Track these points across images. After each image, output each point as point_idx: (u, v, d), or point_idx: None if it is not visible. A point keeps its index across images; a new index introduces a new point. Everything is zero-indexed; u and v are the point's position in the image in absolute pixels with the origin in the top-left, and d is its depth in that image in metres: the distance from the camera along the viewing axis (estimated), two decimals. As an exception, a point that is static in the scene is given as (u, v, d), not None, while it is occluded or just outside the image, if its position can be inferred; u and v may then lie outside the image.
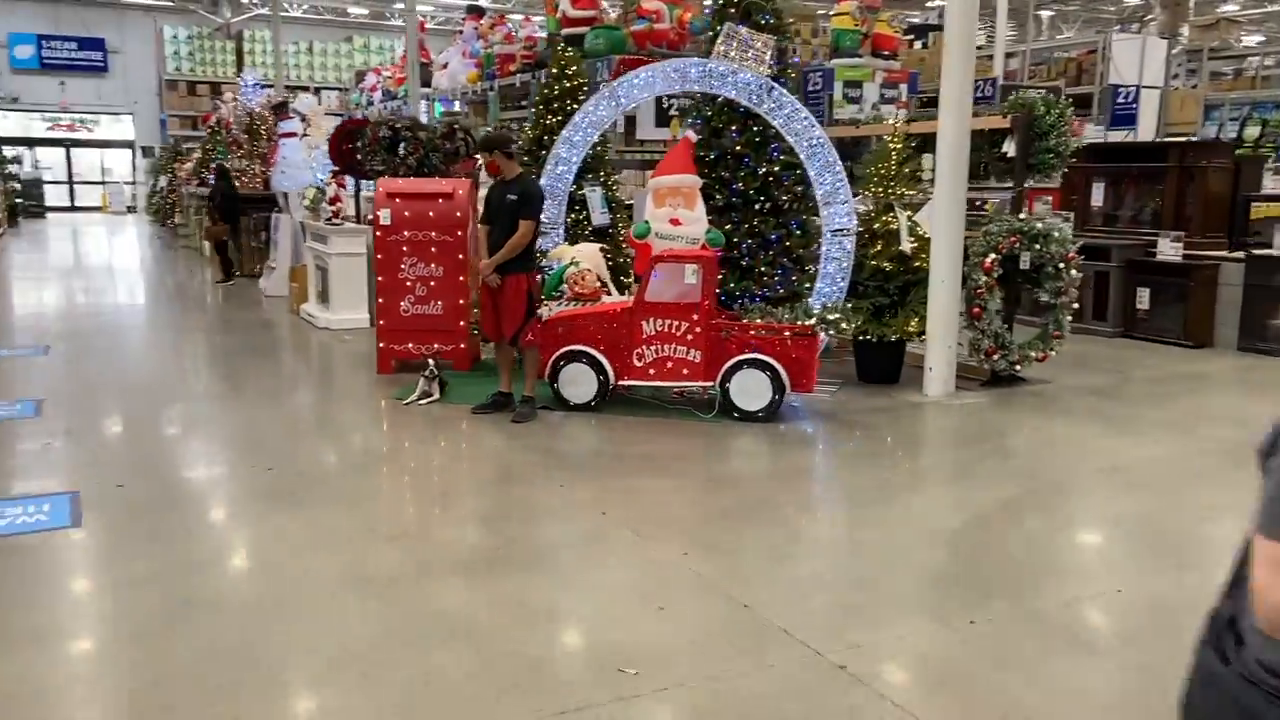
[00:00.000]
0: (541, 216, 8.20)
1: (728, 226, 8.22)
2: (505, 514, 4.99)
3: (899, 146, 7.82)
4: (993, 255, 7.52)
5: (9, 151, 32.42)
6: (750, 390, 6.72)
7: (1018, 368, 7.73)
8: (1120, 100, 15.30)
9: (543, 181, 8.37)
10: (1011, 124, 7.81)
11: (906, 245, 7.65)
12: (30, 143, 33.87)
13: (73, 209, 34.34)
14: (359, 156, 10.80)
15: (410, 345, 8.03)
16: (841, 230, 7.65)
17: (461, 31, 17.67)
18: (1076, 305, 7.84)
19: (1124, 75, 16.25)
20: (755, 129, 8.00)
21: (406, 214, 7.98)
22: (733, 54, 7.74)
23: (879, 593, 4.04)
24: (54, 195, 34.10)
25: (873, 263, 7.77)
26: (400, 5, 35.30)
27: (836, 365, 8.36)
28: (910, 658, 3.49)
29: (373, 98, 21.14)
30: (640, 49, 12.19)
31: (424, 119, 17.48)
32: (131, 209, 34.09)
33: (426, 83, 17.72)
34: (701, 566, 4.23)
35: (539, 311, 7.15)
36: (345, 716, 3.09)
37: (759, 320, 7.00)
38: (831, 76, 11.91)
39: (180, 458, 5.99)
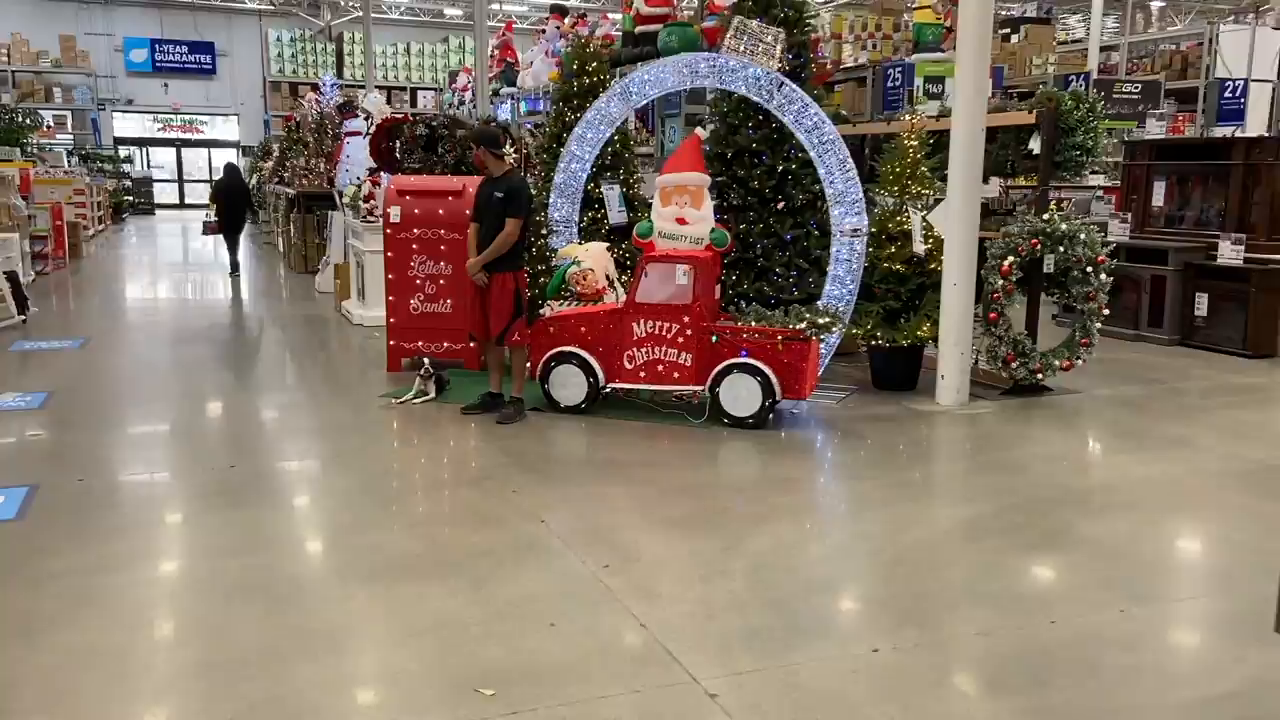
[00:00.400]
0: (557, 215, 8.22)
1: (743, 226, 8.00)
2: (441, 519, 4.92)
3: (916, 144, 7.45)
4: (1011, 258, 7.10)
5: (123, 151, 34.17)
6: (740, 396, 6.50)
7: (1040, 376, 7.28)
8: (1227, 95, 14.41)
9: (557, 179, 8.31)
10: (1036, 119, 7.36)
11: (920, 247, 7.29)
12: (143, 143, 35.49)
13: (181, 206, 35.84)
14: (397, 155, 10.92)
15: (420, 343, 8.04)
16: (853, 231, 7.34)
17: (544, 31, 17.75)
18: (1106, 311, 7.34)
19: (1232, 68, 15.28)
20: (773, 125, 7.76)
21: (416, 211, 7.99)
22: (743, 48, 7.50)
23: (791, 616, 3.80)
24: (165, 193, 35.70)
25: (885, 265, 7.44)
26: (495, 6, 35.86)
27: (855, 370, 8.05)
28: (788, 687, 3.26)
29: (464, 97, 21.52)
30: (712, 46, 11.97)
31: (506, 118, 17.66)
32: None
33: (512, 82, 17.92)
34: (615, 581, 4.06)
35: (541, 310, 7.08)
36: (183, 724, 3.05)
37: (754, 323, 6.76)
38: (911, 72, 11.52)
39: (151, 453, 6.10)
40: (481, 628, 3.68)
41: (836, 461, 6.06)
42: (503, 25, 22.70)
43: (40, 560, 4.21)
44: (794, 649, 3.55)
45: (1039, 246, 7.12)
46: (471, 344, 7.51)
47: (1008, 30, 16.28)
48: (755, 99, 7.55)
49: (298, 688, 3.23)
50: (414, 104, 34.24)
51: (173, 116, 35.81)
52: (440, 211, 7.99)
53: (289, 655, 3.43)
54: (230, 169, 15.76)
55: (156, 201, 34.52)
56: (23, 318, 10.11)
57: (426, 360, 7.26)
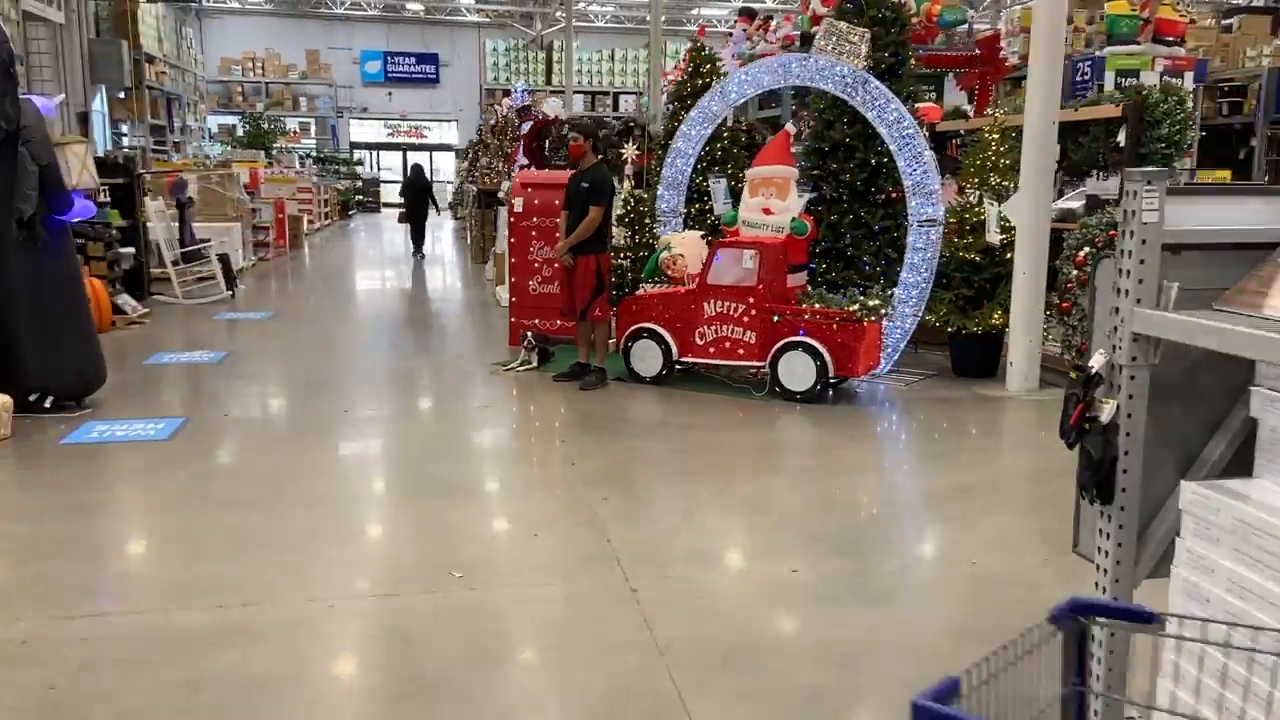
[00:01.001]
0: (664, 205, 8.95)
1: (834, 217, 8.44)
2: (491, 458, 5.77)
3: (997, 137, 7.65)
4: (1086, 249, 7.19)
5: (357, 154, 37.67)
6: (797, 372, 7.00)
7: (1114, 367, 7.31)
8: None
9: (664, 172, 9.04)
10: (1123, 113, 7.39)
11: (994, 237, 7.50)
12: (374, 147, 38.90)
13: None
14: (545, 153, 11.97)
15: (537, 320, 8.97)
16: (928, 221, 7.64)
17: (733, 33, 18.48)
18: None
19: None
20: (865, 121, 8.15)
21: (536, 202, 8.92)
22: (830, 48, 7.95)
23: (734, 543, 4.38)
24: (391, 193, 38.99)
25: (961, 254, 7.69)
26: (695, 11, 36.82)
27: (942, 357, 8.30)
28: (700, 593, 3.85)
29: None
30: None
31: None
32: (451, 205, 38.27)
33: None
34: (606, 509, 4.76)
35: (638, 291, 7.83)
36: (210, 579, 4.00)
37: (816, 305, 7.22)
38: (1101, 65, 11.51)
39: (289, 397, 7.30)
40: (477, 533, 4.48)
41: (867, 433, 6.47)
42: (698, 29, 23.50)
43: (169, 468, 5.37)
44: (723, 567, 4.13)
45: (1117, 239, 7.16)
46: (565, 320, 8.34)
47: (1230, 21, 15.44)
48: (841, 95, 7.98)
49: (318, 561, 4.13)
50: (615, 108, 35.70)
51: (400, 123, 39.05)
52: (556, 202, 8.84)
53: (322, 537, 4.35)
54: (415, 169, 17.51)
55: (383, 201, 37.70)
56: (230, 293, 11.86)
57: (530, 334, 8.17)
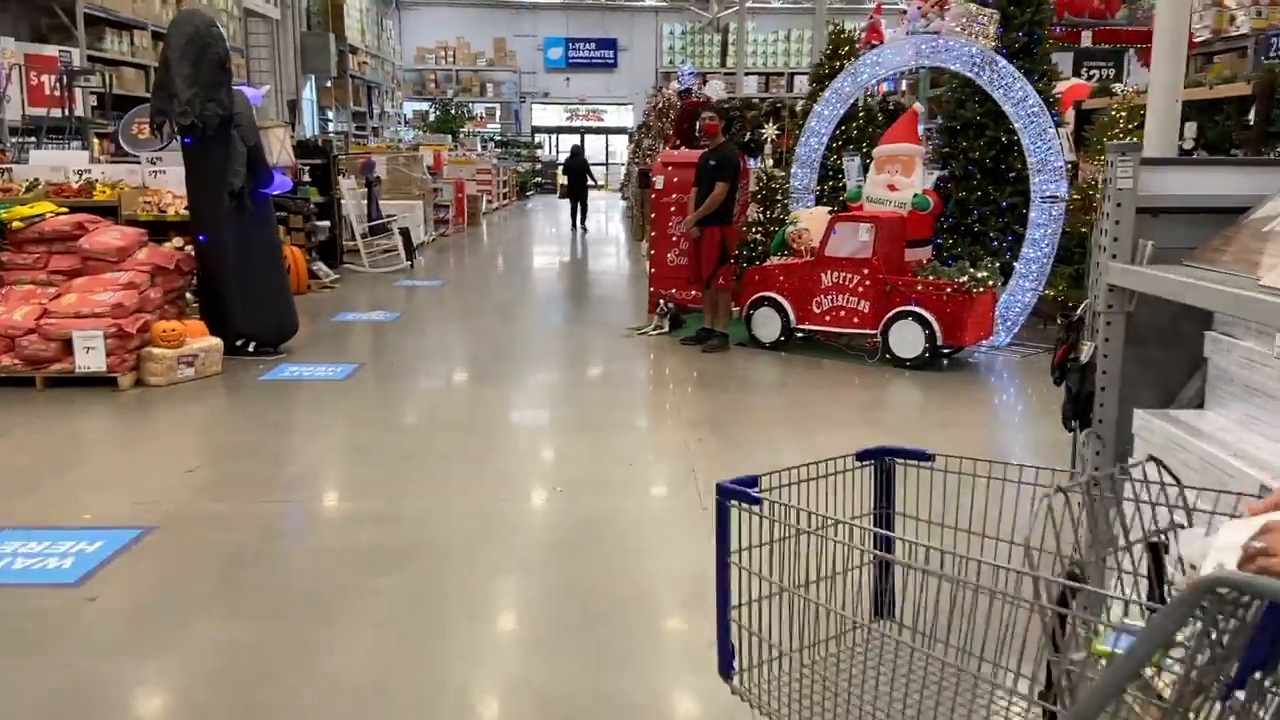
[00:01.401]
0: (797, 183, 9.44)
1: (962, 194, 8.74)
2: (606, 405, 6.52)
3: (1125, 115, 7.75)
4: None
5: (538, 138, 39.39)
6: (906, 339, 7.41)
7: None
8: None
9: (798, 151, 9.53)
10: (1253, 90, 7.36)
11: (1113, 212, 7.62)
12: (554, 131, 40.50)
13: (595, 187, 40.46)
14: (695, 134, 12.61)
15: (674, 290, 9.66)
16: (1051, 198, 7.84)
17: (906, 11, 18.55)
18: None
19: None
20: (995, 100, 8.40)
21: (675, 180, 9.58)
22: (960, 29, 8.23)
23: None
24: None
25: (1083, 230, 7.84)
26: (870, -11, 36.39)
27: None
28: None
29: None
30: (1059, 19, 12.41)
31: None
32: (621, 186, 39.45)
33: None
34: (699, 448, 5.41)
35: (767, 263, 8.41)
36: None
37: (930, 277, 7.59)
38: None
39: (444, 348, 8.30)
40: (583, 460, 5.24)
41: (967, 397, 6.81)
42: (875, 8, 23.49)
43: (341, 401, 6.40)
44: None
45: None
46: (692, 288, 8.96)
47: None
48: (967, 74, 8.26)
49: (450, 473, 4.98)
50: (790, 88, 35.82)
51: (579, 106, 40.51)
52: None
53: (450, 456, 5.21)
54: (574, 149, 18.58)
55: (560, 182, 39.26)
56: (410, 264, 13.14)
57: (662, 301, 8.88)
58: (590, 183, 19.92)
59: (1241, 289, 2.56)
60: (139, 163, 8.87)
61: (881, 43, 21.47)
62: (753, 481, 1.84)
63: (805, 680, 1.81)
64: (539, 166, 37.67)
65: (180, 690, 2.98)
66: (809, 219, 8.58)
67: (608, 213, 26.97)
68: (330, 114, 28.58)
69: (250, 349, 7.37)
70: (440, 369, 7.70)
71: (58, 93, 12.17)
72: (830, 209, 8.95)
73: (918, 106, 8.61)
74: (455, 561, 3.92)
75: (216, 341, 6.93)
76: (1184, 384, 3.28)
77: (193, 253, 7.34)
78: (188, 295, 7.51)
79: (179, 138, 7.03)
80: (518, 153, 36.66)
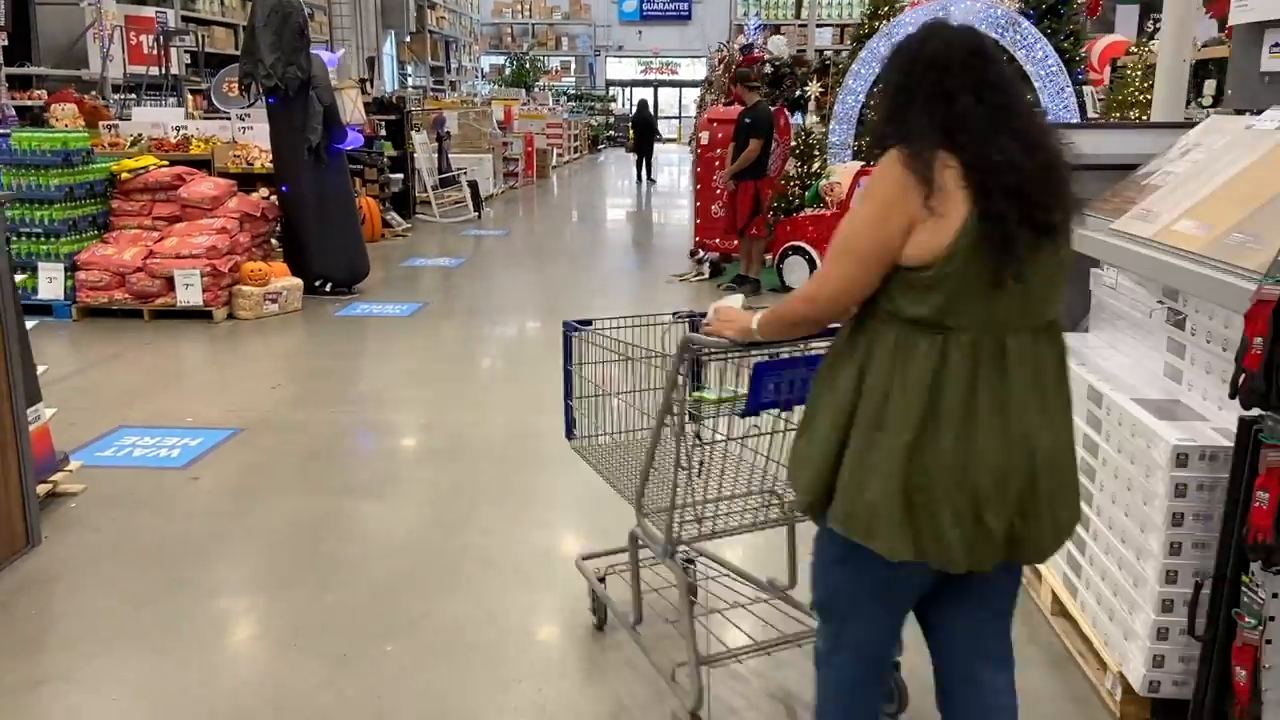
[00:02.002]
0: (834, 139, 9.94)
1: (989, 149, 9.16)
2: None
3: (1140, 73, 8.09)
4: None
5: (612, 91, 39.85)
6: (922, 286, 7.95)
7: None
8: None
9: (836, 108, 10.03)
10: (1266, 46, 7.63)
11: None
12: (627, 84, 40.89)
13: (661, 140, 40.86)
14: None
15: (717, 240, 10.29)
16: (1068, 153, 8.24)
17: None
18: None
19: None
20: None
21: (720, 135, 10.16)
22: (986, -8, 8.62)
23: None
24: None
25: (1099, 184, 8.24)
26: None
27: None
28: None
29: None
30: None
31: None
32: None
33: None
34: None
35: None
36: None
37: (950, 228, 8.08)
38: None
39: (502, 292, 9.08)
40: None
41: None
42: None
43: (405, 334, 7.24)
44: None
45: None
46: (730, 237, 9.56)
47: None
48: (993, 35, 8.65)
49: (489, 395, 5.78)
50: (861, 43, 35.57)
51: (653, 59, 40.79)
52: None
53: (494, 379, 6.00)
54: (641, 104, 19.12)
55: (630, 136, 39.72)
56: (477, 214, 13.97)
57: (702, 250, 9.53)
58: (658, 137, 20.52)
59: (1093, 232, 3.16)
60: (229, 119, 9.79)
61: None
62: (588, 322, 2.66)
63: (618, 452, 2.97)
64: (612, 120, 38.19)
65: (260, 544, 3.83)
66: (844, 173, 9.11)
67: (681, 165, 27.46)
68: (409, 69, 29.52)
69: (327, 289, 8.26)
70: (495, 308, 8.50)
71: (155, 52, 13.21)
72: (866, 163, 9.46)
73: (947, 65, 9.02)
74: (488, 460, 4.70)
75: (297, 281, 7.82)
76: (1084, 315, 3.88)
77: (277, 202, 8.22)
78: (273, 240, 8.41)
79: (264, 98, 7.88)
80: (591, 106, 37.17)
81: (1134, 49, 8.07)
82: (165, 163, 8.08)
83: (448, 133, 14.61)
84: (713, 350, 2.36)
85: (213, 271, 7.26)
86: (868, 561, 1.92)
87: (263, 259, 7.89)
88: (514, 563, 3.66)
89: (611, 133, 37.39)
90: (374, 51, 24.92)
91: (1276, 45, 3.38)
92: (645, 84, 40.70)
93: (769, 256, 9.01)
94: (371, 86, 17.29)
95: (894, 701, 2.69)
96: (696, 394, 2.53)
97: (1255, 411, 2.13)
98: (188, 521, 3.97)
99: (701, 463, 2.62)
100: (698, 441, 2.58)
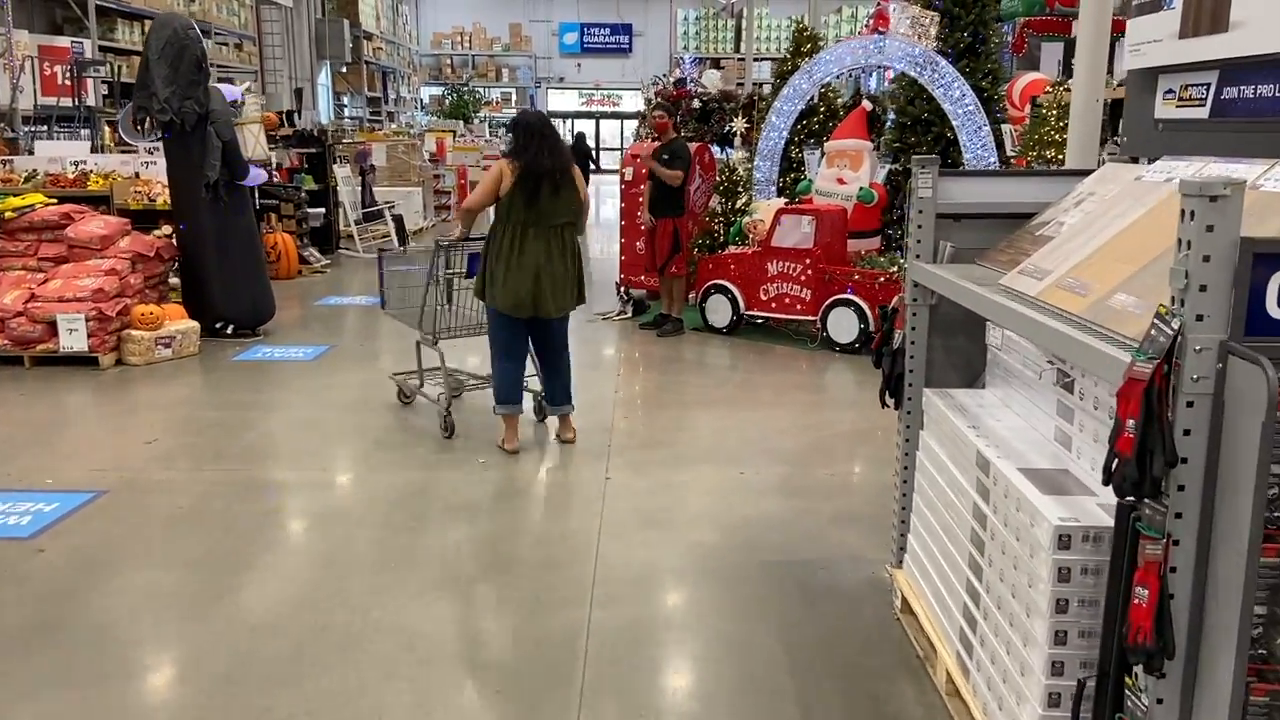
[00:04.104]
0: (759, 175, 9.82)
1: (911, 187, 9.10)
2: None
3: (1055, 112, 8.07)
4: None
5: (555, 123, 39.78)
6: (843, 325, 7.82)
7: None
8: None
9: (759, 144, 9.92)
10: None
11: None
12: (569, 116, 40.85)
13: (598, 171, 40.81)
14: (675, 124, 12.99)
15: (642, 277, 10.09)
16: (988, 191, 8.18)
17: None
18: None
19: None
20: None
21: (643, 171, 9.99)
22: (904, 30, 8.59)
23: (707, 452, 5.40)
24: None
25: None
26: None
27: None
28: (657, 482, 4.92)
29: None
30: (1050, 8, 12.70)
31: (870, 86, 19.09)
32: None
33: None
34: (623, 424, 5.87)
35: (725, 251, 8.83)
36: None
37: (871, 268, 7.98)
38: None
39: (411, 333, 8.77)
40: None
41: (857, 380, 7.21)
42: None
43: (304, 380, 6.90)
44: (688, 466, 5.17)
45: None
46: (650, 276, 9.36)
47: None
48: (911, 74, 8.62)
49: (380, 445, 5.47)
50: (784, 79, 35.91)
51: (594, 91, 40.85)
52: (662, 171, 9.92)
53: (391, 430, 5.70)
54: (578, 136, 18.97)
55: (574, 167, 39.59)
56: (403, 249, 13.63)
57: (623, 288, 9.32)
58: (593, 168, 20.43)
59: (980, 287, 2.98)
60: (136, 152, 9.40)
61: (888, 29, 21.85)
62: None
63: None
64: (553, 151, 38.05)
65: (92, 630, 3.48)
66: (767, 210, 8.99)
67: (611, 200, 27.35)
68: (345, 100, 29.13)
69: (228, 331, 7.89)
70: (409, 349, 8.17)
71: (69, 82, 12.75)
72: (789, 201, 9.35)
73: (866, 104, 8.97)
74: (370, 524, 4.40)
75: (193, 324, 7.45)
76: (984, 368, 3.71)
77: (176, 241, 7.85)
78: (171, 280, 8.03)
79: (159, 133, 7.54)
80: (531, 138, 36.85)
81: (1050, 88, 8.03)
82: (53, 200, 7.69)
83: (372, 166, 14.29)
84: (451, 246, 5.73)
85: (99, 315, 6.87)
86: (507, 317, 5.24)
87: (157, 301, 7.51)
88: (380, 646, 3.37)
89: (552, 164, 37.22)
90: (304, 82, 24.52)
91: (1170, 92, 3.25)
92: (587, 115, 40.74)
93: (692, 295, 8.83)
94: (299, 118, 16.92)
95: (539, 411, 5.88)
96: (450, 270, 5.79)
97: (1133, 498, 1.94)
98: (19, 604, 3.62)
99: (450, 299, 5.79)
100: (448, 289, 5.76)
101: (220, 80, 14.82)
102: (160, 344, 7.14)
